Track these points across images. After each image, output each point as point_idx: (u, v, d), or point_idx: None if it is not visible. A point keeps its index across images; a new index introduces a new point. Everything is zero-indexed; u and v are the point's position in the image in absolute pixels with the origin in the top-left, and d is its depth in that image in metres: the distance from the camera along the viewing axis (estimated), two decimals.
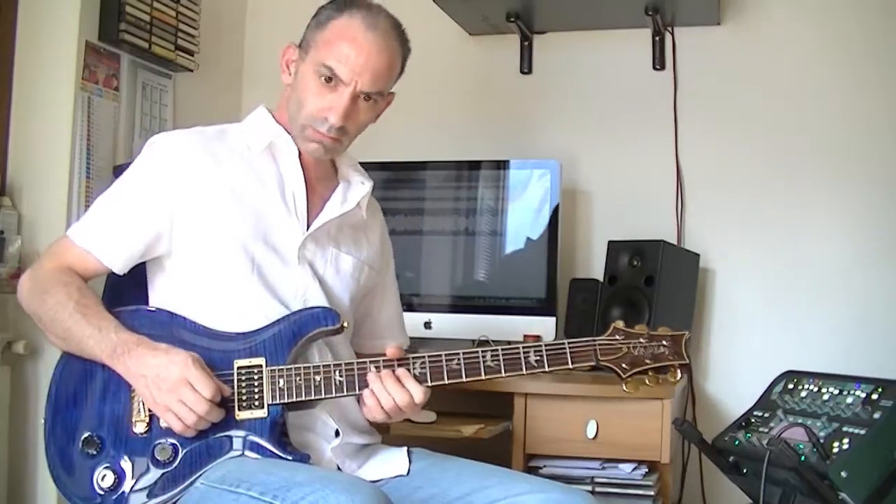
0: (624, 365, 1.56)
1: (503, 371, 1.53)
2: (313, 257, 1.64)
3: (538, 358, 1.53)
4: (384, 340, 1.76)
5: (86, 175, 2.34)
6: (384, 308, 1.84)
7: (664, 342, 1.57)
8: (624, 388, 1.56)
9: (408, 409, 1.52)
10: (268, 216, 1.61)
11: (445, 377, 1.52)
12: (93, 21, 2.37)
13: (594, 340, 1.56)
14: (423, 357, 1.53)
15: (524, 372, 1.54)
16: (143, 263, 1.63)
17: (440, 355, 1.53)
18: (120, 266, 1.58)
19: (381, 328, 1.84)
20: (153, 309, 1.59)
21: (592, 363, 1.55)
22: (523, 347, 1.54)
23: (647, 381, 1.57)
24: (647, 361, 1.56)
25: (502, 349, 1.54)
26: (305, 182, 1.65)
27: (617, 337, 1.57)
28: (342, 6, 1.61)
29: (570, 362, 1.54)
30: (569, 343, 1.55)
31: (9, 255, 2.23)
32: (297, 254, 1.62)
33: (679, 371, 1.57)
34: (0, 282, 2.18)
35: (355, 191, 1.72)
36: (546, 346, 1.54)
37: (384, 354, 1.54)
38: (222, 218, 1.58)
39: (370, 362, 1.53)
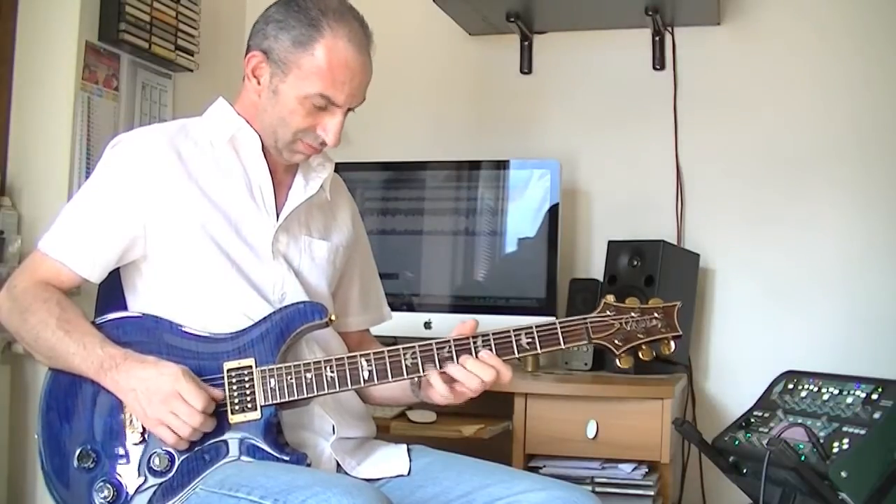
0: (617, 341, 1.52)
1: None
2: (287, 249, 1.62)
3: (529, 340, 1.51)
4: (348, 319, 1.78)
5: (85, 175, 2.33)
6: (351, 287, 1.80)
7: (656, 314, 1.54)
8: (618, 363, 1.53)
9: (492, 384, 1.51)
10: (238, 212, 1.58)
11: (437, 364, 1.49)
12: (93, 21, 2.37)
13: (585, 318, 1.53)
14: (414, 347, 1.50)
15: (517, 355, 1.51)
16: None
17: (430, 345, 1.50)
18: (96, 276, 1.56)
19: (347, 307, 1.80)
20: (137, 315, 1.56)
21: (585, 341, 1.52)
22: (514, 331, 1.51)
23: (641, 356, 1.54)
24: (640, 336, 1.53)
25: (493, 334, 1.51)
26: (271, 173, 1.62)
27: (608, 313, 1.53)
28: (315, 20, 1.52)
29: (562, 342, 1.51)
30: (560, 323, 1.52)
31: (9, 255, 2.23)
32: (271, 248, 1.60)
33: (672, 342, 1.54)
34: (0, 282, 2.18)
35: (316, 173, 1.68)
36: (537, 327, 1.51)
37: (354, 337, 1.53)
38: (195, 217, 1.55)
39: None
